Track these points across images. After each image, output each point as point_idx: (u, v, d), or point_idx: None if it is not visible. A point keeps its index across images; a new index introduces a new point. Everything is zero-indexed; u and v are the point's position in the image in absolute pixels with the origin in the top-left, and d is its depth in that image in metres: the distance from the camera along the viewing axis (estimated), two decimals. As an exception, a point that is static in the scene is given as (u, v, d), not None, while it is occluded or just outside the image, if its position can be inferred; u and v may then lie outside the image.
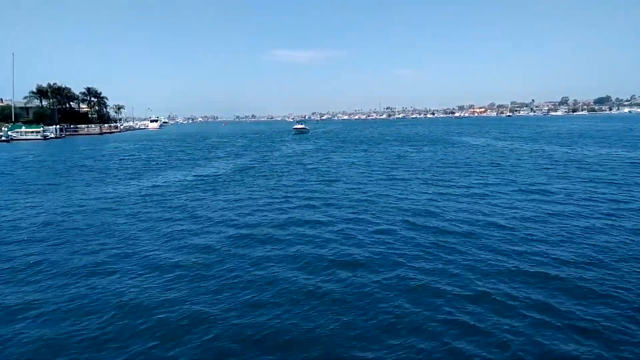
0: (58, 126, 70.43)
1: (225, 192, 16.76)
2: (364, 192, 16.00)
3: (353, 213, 12.70)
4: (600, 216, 11.70)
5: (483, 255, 8.69)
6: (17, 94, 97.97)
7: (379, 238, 10.12)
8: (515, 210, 12.54)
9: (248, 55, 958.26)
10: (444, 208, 13.09)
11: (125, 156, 35.23)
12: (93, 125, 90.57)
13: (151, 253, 9.27)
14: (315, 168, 24.10)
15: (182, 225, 11.74)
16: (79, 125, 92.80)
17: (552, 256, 8.57)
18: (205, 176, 21.64)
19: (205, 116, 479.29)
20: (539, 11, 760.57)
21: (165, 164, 28.74)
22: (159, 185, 18.84)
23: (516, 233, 10.25)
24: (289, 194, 15.94)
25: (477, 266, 8.13)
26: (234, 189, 17.56)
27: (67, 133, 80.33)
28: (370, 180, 18.91)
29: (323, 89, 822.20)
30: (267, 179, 20.08)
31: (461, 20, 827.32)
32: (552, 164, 23.27)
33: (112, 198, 15.83)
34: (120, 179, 21.29)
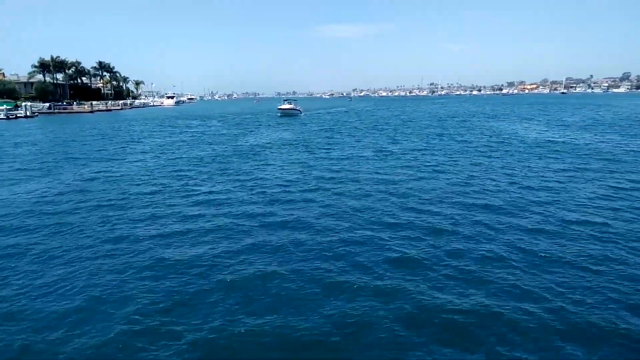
0: (29, 103, 63.46)
1: None
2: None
3: None
4: None
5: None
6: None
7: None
8: None
9: (292, 32, 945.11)
10: None
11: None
12: (86, 103, 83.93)
13: None
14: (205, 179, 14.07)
15: None
16: (83, 101, 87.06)
17: None
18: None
19: (246, 92, 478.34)
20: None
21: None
22: None
23: None
24: None
25: None
26: None
27: (56, 111, 74.11)
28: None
29: (368, 65, 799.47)
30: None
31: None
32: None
33: None
34: None
